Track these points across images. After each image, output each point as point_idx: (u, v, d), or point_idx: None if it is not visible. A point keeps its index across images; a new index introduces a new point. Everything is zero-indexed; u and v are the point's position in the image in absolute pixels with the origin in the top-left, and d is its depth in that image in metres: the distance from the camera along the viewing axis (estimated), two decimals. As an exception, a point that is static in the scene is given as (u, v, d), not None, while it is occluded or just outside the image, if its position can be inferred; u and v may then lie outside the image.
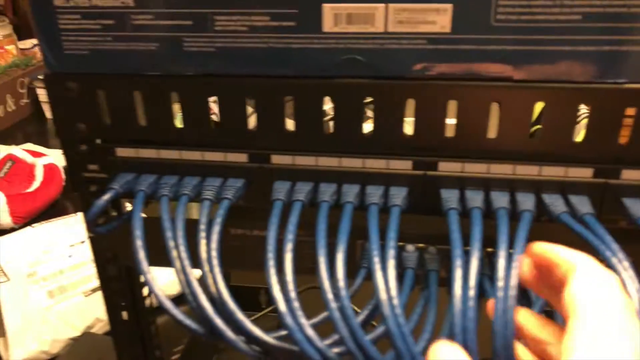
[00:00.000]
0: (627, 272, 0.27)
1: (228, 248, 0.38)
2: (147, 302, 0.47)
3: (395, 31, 0.30)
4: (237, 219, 0.38)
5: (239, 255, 0.39)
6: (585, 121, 0.31)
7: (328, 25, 0.30)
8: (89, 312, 0.71)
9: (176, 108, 0.35)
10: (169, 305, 0.30)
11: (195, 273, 0.31)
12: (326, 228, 0.31)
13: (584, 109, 0.31)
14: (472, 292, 0.27)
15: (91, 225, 0.35)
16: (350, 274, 0.31)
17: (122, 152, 0.36)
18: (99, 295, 0.71)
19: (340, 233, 0.30)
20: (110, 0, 0.31)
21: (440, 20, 0.29)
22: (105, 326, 0.71)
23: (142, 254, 0.31)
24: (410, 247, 0.34)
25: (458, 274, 0.28)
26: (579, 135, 0.31)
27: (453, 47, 0.30)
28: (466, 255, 0.29)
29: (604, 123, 0.30)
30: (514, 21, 0.29)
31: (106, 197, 0.34)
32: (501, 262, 0.27)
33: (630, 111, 0.30)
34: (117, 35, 0.32)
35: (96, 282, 0.73)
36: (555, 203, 0.31)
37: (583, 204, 0.31)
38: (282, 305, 0.28)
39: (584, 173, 0.31)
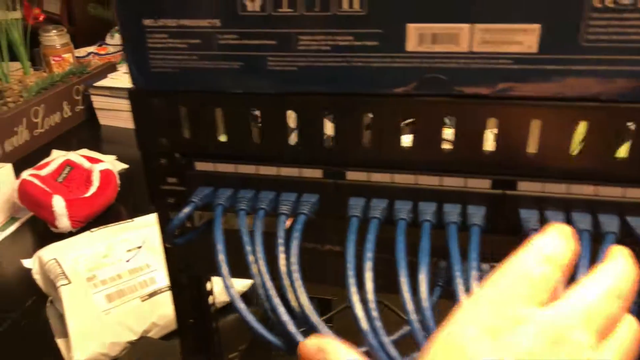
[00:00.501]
0: None
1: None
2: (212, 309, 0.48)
3: (480, 51, 0.30)
4: (307, 233, 0.39)
5: (309, 269, 0.40)
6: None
7: (412, 44, 0.30)
8: (146, 316, 0.72)
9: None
10: (251, 319, 0.31)
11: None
12: (405, 247, 0.31)
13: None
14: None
15: (169, 236, 0.36)
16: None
17: (201, 166, 0.37)
18: (155, 300, 0.73)
19: (421, 252, 0.31)
20: (198, 20, 0.32)
21: (527, 40, 0.29)
22: (161, 331, 0.73)
23: (225, 269, 0.32)
24: (485, 266, 0.34)
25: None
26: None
27: (539, 67, 0.30)
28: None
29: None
30: (604, 41, 0.28)
31: (187, 210, 0.35)
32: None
33: None
34: (203, 54, 0.33)
35: (152, 287, 0.75)
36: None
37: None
38: (364, 324, 0.28)
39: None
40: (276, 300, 0.31)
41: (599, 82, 0.29)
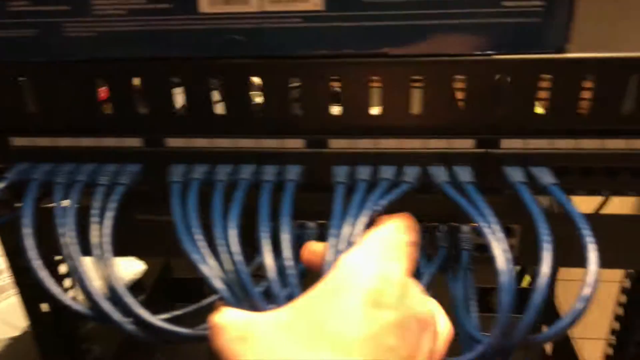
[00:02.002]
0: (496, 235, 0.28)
1: (136, 234, 0.39)
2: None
3: (270, 10, 0.30)
4: (147, 205, 0.39)
5: (148, 241, 0.40)
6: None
7: (204, 6, 0.30)
8: (29, 310, 0.70)
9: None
10: (55, 290, 0.30)
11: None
12: (221, 208, 0.31)
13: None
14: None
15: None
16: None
17: (18, 141, 0.35)
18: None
19: (232, 210, 0.31)
20: (-13, -12, 0.31)
21: (314, -3, 0.30)
22: (46, 324, 0.71)
23: (30, 242, 0.31)
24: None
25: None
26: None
27: (327, 24, 0.30)
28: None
29: (481, 94, 0.31)
30: (384, -4, 0.29)
31: (1, 185, 0.34)
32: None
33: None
34: (-5, 22, 0.32)
35: (36, 280, 0.72)
36: (436, 173, 0.32)
37: (464, 174, 0.32)
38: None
39: (465, 144, 0.32)
40: (82, 271, 0.30)
41: (384, 39, 0.30)
